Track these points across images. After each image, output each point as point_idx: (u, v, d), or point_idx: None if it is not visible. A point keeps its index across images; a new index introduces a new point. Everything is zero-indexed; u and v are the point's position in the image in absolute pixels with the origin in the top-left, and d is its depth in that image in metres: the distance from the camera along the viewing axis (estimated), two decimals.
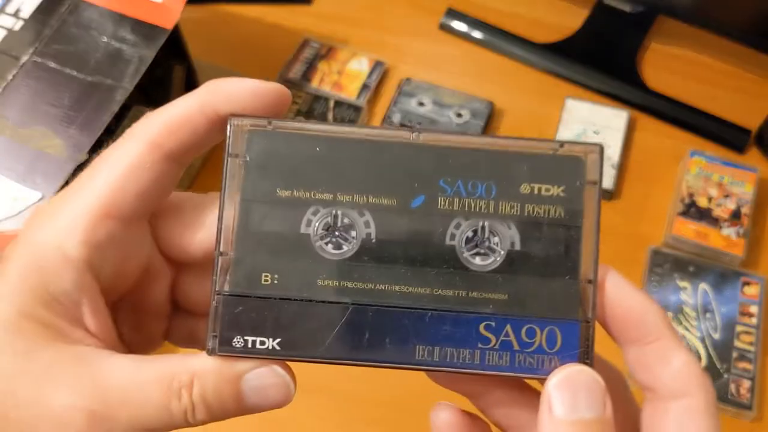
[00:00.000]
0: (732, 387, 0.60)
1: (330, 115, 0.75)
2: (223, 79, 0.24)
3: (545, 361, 0.23)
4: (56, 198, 0.24)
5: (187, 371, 0.23)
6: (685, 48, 0.83)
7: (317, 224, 0.24)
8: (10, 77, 0.58)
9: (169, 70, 0.71)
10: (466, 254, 0.24)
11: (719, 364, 0.61)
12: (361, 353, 0.23)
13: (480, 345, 0.23)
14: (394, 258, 0.24)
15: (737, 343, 0.62)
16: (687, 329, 0.63)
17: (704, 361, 0.61)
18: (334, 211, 0.24)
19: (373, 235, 0.24)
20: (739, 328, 0.63)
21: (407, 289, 0.24)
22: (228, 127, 0.24)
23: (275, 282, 0.24)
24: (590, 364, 0.24)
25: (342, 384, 0.59)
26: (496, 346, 0.23)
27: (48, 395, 0.22)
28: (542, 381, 0.24)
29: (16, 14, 0.62)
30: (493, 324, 0.23)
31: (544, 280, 0.24)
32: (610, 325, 0.25)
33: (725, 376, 0.61)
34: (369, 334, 0.23)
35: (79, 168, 0.55)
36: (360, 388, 0.59)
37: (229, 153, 0.24)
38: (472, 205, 0.24)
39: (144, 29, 0.61)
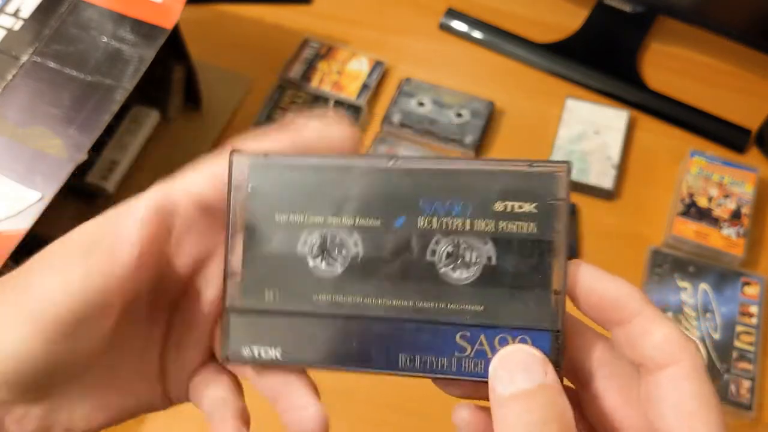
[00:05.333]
0: (732, 387, 0.60)
1: None
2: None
3: None
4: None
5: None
6: (685, 48, 0.83)
7: (311, 245, 0.27)
8: (9, 77, 0.58)
9: (169, 70, 0.71)
10: (445, 269, 0.26)
11: (719, 364, 0.61)
12: (351, 361, 0.26)
13: (456, 353, 0.25)
14: (380, 274, 0.26)
15: (737, 343, 0.62)
16: (687, 329, 0.63)
17: (704, 362, 0.61)
18: (325, 233, 0.26)
19: (360, 254, 0.26)
20: (739, 328, 0.63)
21: (391, 302, 0.26)
22: (230, 161, 0.27)
23: (277, 298, 0.27)
24: (559, 371, 0.25)
25: (347, 383, 0.59)
26: (471, 354, 0.25)
27: None
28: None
29: (15, 14, 0.62)
30: (468, 334, 0.25)
31: (518, 292, 0.25)
32: (590, 313, 0.26)
33: (725, 376, 0.61)
34: (357, 344, 0.26)
35: (79, 168, 0.55)
36: (367, 389, 0.59)
37: (232, 184, 0.27)
38: (450, 224, 0.26)
39: (144, 29, 0.61)
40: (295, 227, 0.27)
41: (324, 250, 0.26)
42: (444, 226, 0.26)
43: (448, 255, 0.26)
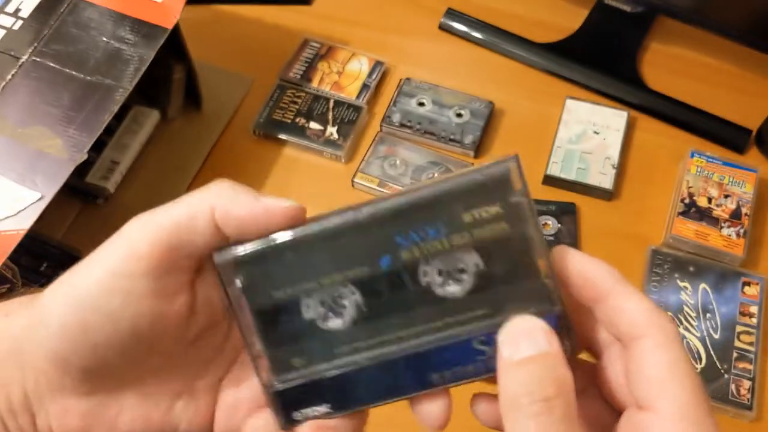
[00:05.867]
0: (732, 387, 0.60)
1: (330, 115, 0.75)
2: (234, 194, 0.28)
3: None
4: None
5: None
6: (685, 48, 0.83)
7: (315, 308, 0.28)
8: (9, 77, 0.58)
9: (169, 70, 0.71)
10: (441, 288, 0.27)
11: (719, 364, 0.61)
12: (391, 393, 0.28)
13: (479, 357, 0.27)
14: (385, 312, 0.28)
15: (737, 343, 0.62)
16: (687, 329, 0.63)
17: (704, 361, 0.61)
18: (323, 294, 0.28)
19: (360, 300, 0.28)
20: (739, 328, 0.63)
21: (405, 332, 0.28)
22: (215, 263, 0.28)
23: (304, 362, 0.28)
24: (569, 350, 0.27)
25: None
26: (493, 354, 0.27)
27: None
28: None
29: (15, 13, 0.62)
30: (483, 338, 0.27)
31: (512, 286, 0.27)
32: (574, 293, 0.27)
33: (725, 376, 0.61)
34: (392, 378, 0.28)
35: (79, 168, 0.55)
36: None
37: (224, 283, 0.28)
38: (431, 248, 0.27)
39: (144, 29, 0.61)
40: (292, 299, 0.28)
41: (328, 309, 0.28)
42: (426, 252, 0.27)
43: (440, 274, 0.27)
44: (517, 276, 0.27)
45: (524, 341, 0.26)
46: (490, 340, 0.27)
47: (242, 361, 0.31)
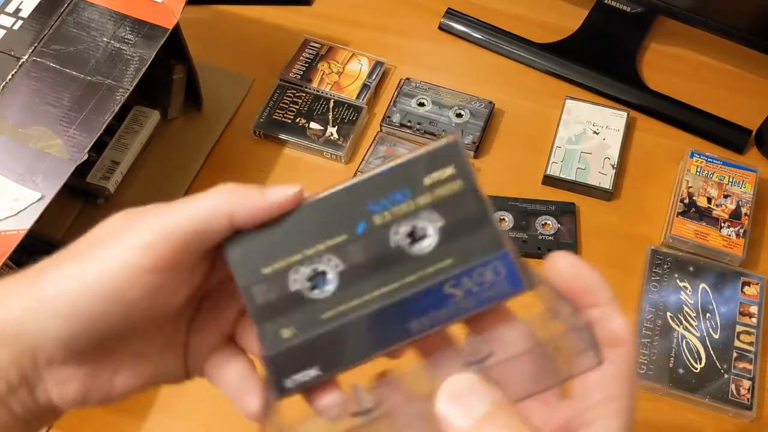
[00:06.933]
0: (732, 387, 0.60)
1: (330, 116, 0.75)
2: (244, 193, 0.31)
3: (499, 287, 0.30)
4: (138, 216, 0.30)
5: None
6: (685, 48, 0.83)
7: (302, 281, 0.31)
8: (9, 77, 0.58)
9: (169, 70, 0.71)
10: (411, 246, 0.31)
11: (719, 364, 0.61)
12: (376, 348, 0.30)
13: (452, 300, 0.30)
14: (365, 274, 0.31)
15: (737, 343, 0.62)
16: (687, 329, 0.63)
17: (704, 361, 0.61)
18: (306, 267, 0.31)
19: (342, 267, 0.31)
20: (739, 328, 0.63)
21: (383, 289, 0.30)
22: (226, 257, 0.31)
23: (294, 332, 0.31)
24: (526, 269, 0.30)
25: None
26: (462, 296, 0.30)
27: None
28: (504, 300, 0.30)
29: (15, 13, 0.62)
30: (452, 282, 0.30)
31: (472, 235, 0.31)
32: (570, 294, 0.30)
33: (725, 376, 0.61)
34: (375, 333, 0.30)
35: (80, 168, 0.55)
36: None
37: (236, 277, 0.31)
38: (399, 210, 0.31)
39: (144, 29, 0.61)
40: (280, 272, 0.31)
41: (312, 279, 0.31)
42: (396, 215, 0.31)
43: (409, 234, 0.31)
44: (473, 225, 0.31)
45: (471, 399, 0.26)
46: (458, 284, 0.30)
47: (206, 307, 0.34)
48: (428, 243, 0.31)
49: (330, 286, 0.31)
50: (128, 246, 0.29)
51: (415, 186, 0.31)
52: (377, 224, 0.31)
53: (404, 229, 0.31)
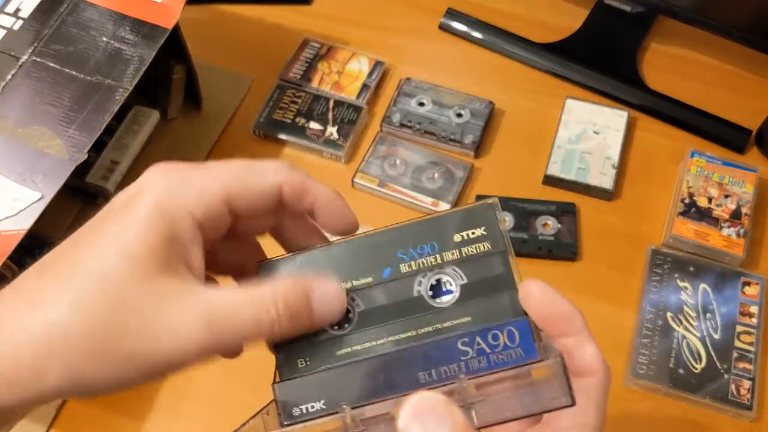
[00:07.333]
0: (732, 387, 0.60)
1: (330, 116, 0.75)
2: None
3: (512, 354, 0.31)
4: (189, 169, 0.31)
5: (271, 291, 0.29)
6: (685, 48, 0.83)
7: None
8: (9, 77, 0.58)
9: (169, 70, 0.71)
10: (432, 299, 0.32)
11: (719, 364, 0.61)
12: (382, 392, 0.31)
13: (462, 358, 0.31)
14: (384, 318, 0.32)
15: (737, 343, 0.62)
16: (687, 329, 0.63)
17: (704, 361, 0.61)
18: None
19: (363, 308, 0.32)
20: (739, 328, 0.63)
21: (397, 336, 0.31)
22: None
23: (308, 363, 0.32)
24: (541, 338, 0.31)
25: None
26: (474, 355, 0.30)
27: (169, 312, 0.28)
28: (515, 368, 0.30)
29: (15, 13, 0.62)
30: (466, 340, 0.31)
31: (492, 297, 0.32)
32: (542, 323, 0.31)
33: (725, 376, 0.61)
34: (383, 378, 0.31)
35: (79, 168, 0.55)
36: None
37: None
38: (426, 262, 0.32)
39: (144, 29, 0.61)
40: None
41: None
42: (422, 266, 0.32)
43: (432, 287, 0.32)
44: (495, 287, 0.32)
45: (432, 419, 0.26)
46: (472, 343, 0.31)
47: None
48: (449, 298, 0.32)
49: (349, 326, 0.32)
50: (147, 242, 0.29)
51: (444, 241, 0.32)
52: (403, 272, 0.32)
53: (428, 280, 0.32)
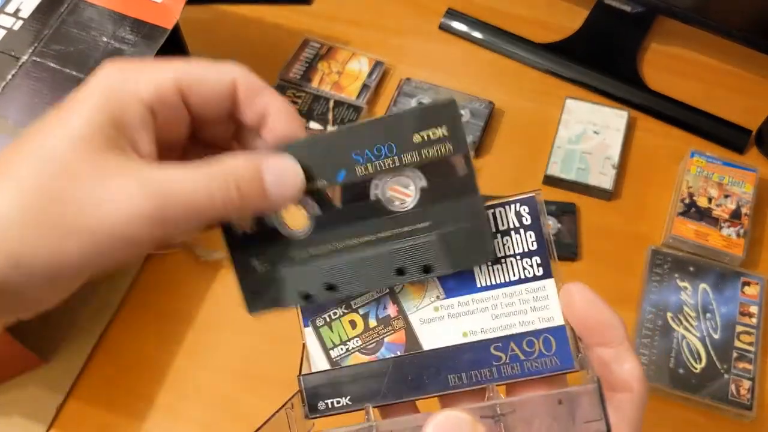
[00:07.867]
0: (732, 387, 0.60)
1: (330, 116, 0.75)
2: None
3: (547, 362, 0.29)
4: (142, 62, 0.30)
5: (222, 166, 0.28)
6: (685, 48, 0.83)
7: (278, 217, 0.31)
8: (9, 77, 0.58)
9: None
10: (390, 202, 0.30)
11: (719, 364, 0.61)
12: (409, 392, 0.30)
13: (494, 362, 0.29)
14: (340, 222, 0.30)
15: (737, 343, 0.62)
16: (687, 329, 0.63)
17: (704, 361, 0.61)
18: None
19: (318, 212, 0.30)
20: (739, 328, 0.63)
21: (357, 240, 0.30)
22: None
23: (265, 266, 0.31)
24: (579, 349, 0.29)
25: None
26: (507, 360, 0.29)
27: (113, 181, 0.27)
28: (548, 377, 0.29)
29: (15, 14, 0.62)
30: (500, 344, 0.29)
31: (453, 202, 0.30)
32: (583, 331, 0.29)
33: (725, 376, 0.61)
34: (411, 378, 0.30)
35: None
36: None
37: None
38: (383, 165, 0.30)
39: (144, 29, 0.61)
40: None
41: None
42: (379, 168, 0.30)
43: (389, 189, 0.30)
44: (457, 192, 0.29)
45: None
46: (506, 348, 0.29)
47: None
48: (408, 202, 0.30)
49: (305, 228, 0.31)
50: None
51: (402, 142, 0.29)
52: (358, 174, 0.30)
53: (385, 183, 0.30)
